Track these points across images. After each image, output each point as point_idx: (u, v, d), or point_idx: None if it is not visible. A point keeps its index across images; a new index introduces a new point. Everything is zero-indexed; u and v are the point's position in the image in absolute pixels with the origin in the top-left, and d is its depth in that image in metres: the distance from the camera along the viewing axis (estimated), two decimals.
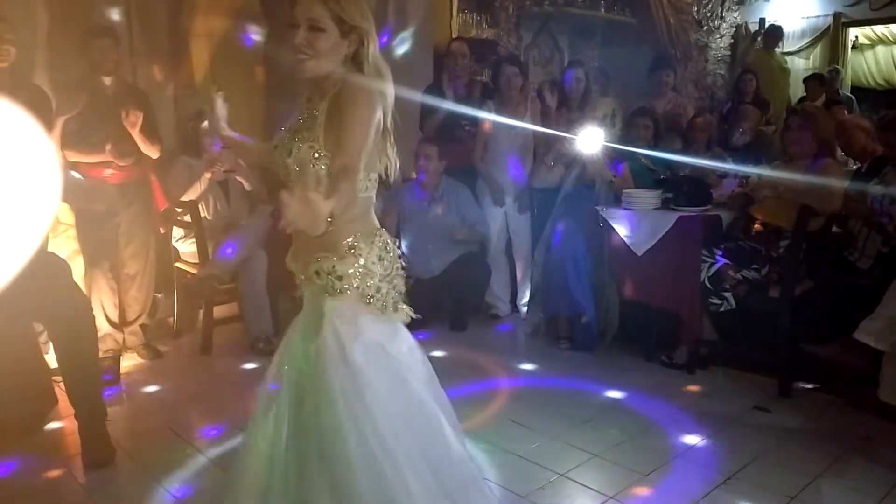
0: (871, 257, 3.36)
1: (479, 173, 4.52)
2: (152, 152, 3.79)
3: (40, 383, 3.06)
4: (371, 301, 1.75)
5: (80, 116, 3.46)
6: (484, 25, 5.83)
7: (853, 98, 7.60)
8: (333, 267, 1.71)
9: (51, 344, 2.95)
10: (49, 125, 3.38)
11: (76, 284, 2.90)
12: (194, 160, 4.08)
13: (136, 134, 3.62)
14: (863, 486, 2.48)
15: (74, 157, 3.53)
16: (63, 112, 3.43)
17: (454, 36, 5.30)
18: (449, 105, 4.38)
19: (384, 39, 4.46)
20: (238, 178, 4.17)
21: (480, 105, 4.39)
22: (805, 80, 7.01)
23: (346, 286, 1.71)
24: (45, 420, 3.06)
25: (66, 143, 3.48)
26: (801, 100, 6.56)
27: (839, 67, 7.66)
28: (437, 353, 3.96)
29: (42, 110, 3.38)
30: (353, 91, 1.66)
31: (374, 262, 1.76)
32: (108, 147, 3.54)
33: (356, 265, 1.73)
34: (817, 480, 2.52)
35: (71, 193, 3.27)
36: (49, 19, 3.82)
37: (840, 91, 7.48)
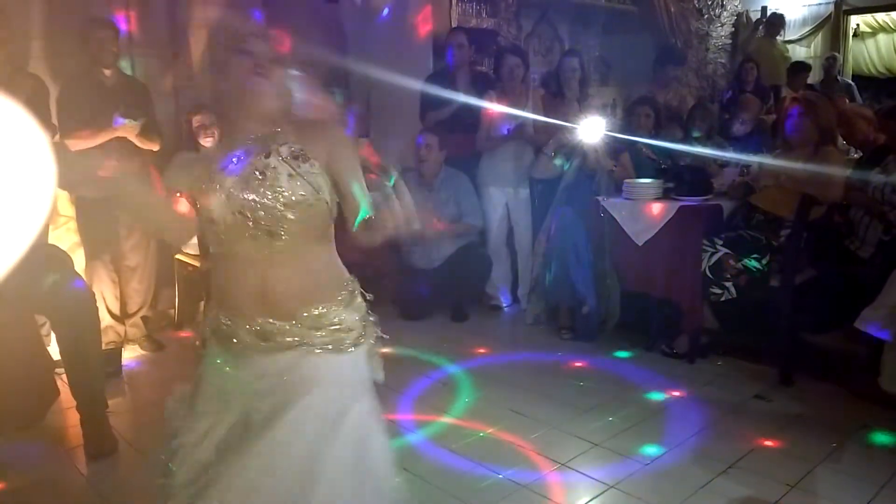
0: (873, 246, 3.35)
1: (482, 152, 4.49)
2: (153, 147, 3.78)
3: (42, 375, 3.06)
4: (375, 352, 1.49)
5: (80, 109, 3.44)
6: (483, 14, 5.80)
7: (852, 84, 7.55)
8: (341, 318, 1.40)
9: (53, 335, 2.96)
10: (47, 115, 3.37)
11: (79, 276, 2.90)
12: (193, 155, 4.05)
13: (135, 139, 3.61)
14: (862, 475, 2.49)
15: (76, 146, 3.51)
16: (61, 102, 3.41)
17: (453, 25, 5.28)
18: (449, 95, 4.36)
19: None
20: None
21: (482, 95, 4.38)
22: (790, 69, 6.71)
23: (360, 339, 1.42)
24: (47, 412, 3.06)
25: (66, 133, 3.47)
26: (776, 88, 6.42)
27: (836, 54, 7.62)
28: (439, 345, 3.96)
29: (40, 100, 3.38)
30: None
31: (365, 304, 1.49)
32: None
33: (363, 312, 1.44)
34: (817, 469, 2.53)
35: (68, 179, 3.25)
36: (47, 9, 3.80)
37: (839, 78, 7.44)
